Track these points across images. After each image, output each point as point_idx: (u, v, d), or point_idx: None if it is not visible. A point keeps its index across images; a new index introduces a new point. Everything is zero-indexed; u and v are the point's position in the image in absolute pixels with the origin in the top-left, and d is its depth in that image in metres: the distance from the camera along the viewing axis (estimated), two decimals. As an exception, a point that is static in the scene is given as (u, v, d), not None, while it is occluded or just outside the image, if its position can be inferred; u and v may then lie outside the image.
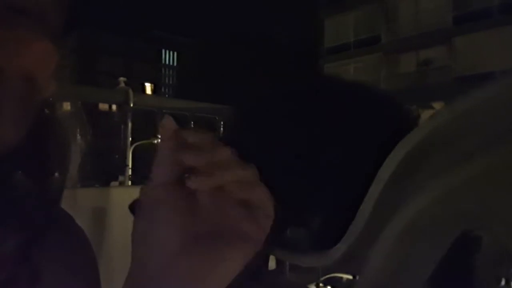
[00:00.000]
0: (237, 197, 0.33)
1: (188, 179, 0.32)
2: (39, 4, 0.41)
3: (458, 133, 0.42)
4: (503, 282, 0.80)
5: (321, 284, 1.58)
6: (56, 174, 0.49)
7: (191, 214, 0.33)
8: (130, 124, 1.81)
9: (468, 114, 0.39)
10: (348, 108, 0.74)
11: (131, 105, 1.43)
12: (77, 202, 0.55)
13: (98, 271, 0.50)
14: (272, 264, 1.07)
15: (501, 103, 0.39)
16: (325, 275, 1.80)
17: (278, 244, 0.76)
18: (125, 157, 3.18)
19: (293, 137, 0.72)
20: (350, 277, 1.78)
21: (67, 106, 0.54)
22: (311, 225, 0.98)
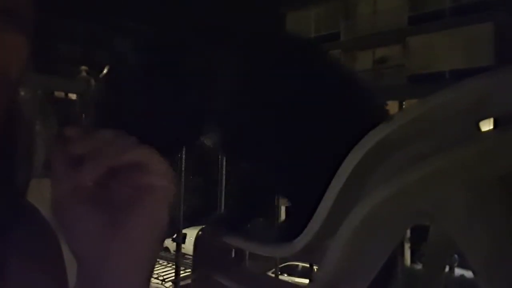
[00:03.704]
0: (121, 163, 0.37)
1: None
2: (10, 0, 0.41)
3: (415, 134, 0.46)
4: (446, 269, 0.86)
5: (279, 272, 1.63)
6: (21, 166, 0.49)
7: (91, 200, 0.37)
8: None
9: (424, 117, 0.43)
10: (320, 97, 0.73)
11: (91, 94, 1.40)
12: (42, 193, 0.55)
13: (64, 261, 0.51)
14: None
15: (455, 109, 0.43)
16: (283, 263, 1.86)
17: (241, 235, 0.78)
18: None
19: (257, 127, 0.72)
20: (307, 265, 1.84)
21: (31, 96, 0.53)
22: (274, 217, 1.01)
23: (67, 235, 0.37)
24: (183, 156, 1.54)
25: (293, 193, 0.77)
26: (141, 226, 0.36)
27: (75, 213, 0.36)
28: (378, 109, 0.77)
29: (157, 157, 0.37)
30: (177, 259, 1.64)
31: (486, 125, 0.51)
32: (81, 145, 0.36)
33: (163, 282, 6.45)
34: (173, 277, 1.57)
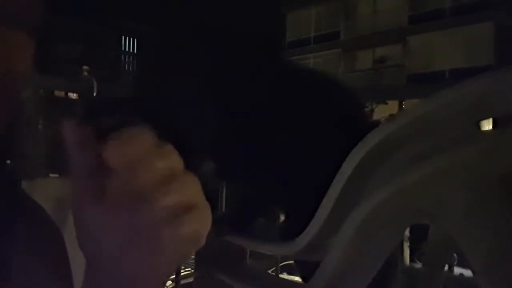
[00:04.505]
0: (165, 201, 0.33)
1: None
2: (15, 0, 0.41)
3: (415, 134, 0.46)
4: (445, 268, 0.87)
5: (279, 271, 1.64)
6: (25, 164, 0.49)
7: (117, 207, 0.33)
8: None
9: (425, 118, 0.43)
10: (314, 100, 0.75)
11: (95, 94, 1.39)
12: (47, 192, 0.55)
13: (68, 260, 0.51)
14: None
15: (455, 109, 0.43)
16: (283, 262, 1.87)
17: (244, 233, 0.79)
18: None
19: (256, 129, 0.73)
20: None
21: (33, 96, 0.54)
22: (276, 216, 1.01)
23: (82, 238, 0.35)
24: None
25: (287, 203, 0.78)
26: (167, 250, 0.34)
27: (97, 219, 0.33)
28: (365, 115, 0.79)
29: (203, 198, 0.32)
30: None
31: (486, 125, 0.51)
32: (119, 154, 0.30)
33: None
34: (173, 276, 1.57)
